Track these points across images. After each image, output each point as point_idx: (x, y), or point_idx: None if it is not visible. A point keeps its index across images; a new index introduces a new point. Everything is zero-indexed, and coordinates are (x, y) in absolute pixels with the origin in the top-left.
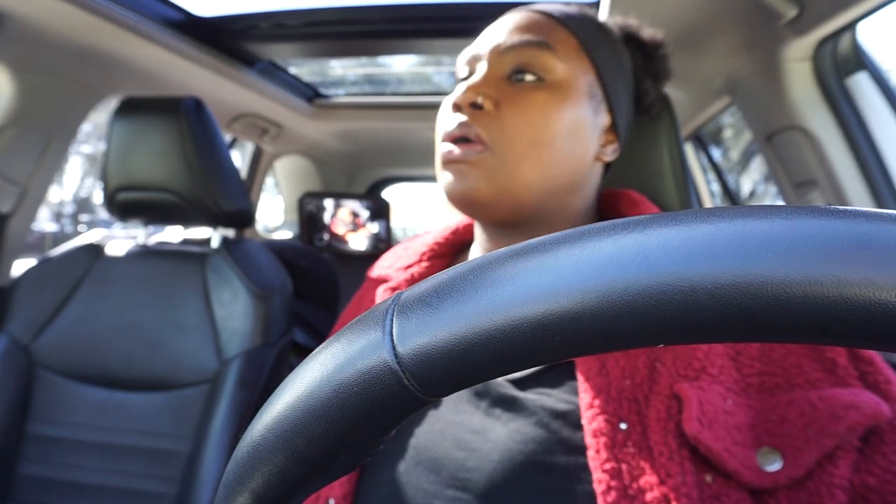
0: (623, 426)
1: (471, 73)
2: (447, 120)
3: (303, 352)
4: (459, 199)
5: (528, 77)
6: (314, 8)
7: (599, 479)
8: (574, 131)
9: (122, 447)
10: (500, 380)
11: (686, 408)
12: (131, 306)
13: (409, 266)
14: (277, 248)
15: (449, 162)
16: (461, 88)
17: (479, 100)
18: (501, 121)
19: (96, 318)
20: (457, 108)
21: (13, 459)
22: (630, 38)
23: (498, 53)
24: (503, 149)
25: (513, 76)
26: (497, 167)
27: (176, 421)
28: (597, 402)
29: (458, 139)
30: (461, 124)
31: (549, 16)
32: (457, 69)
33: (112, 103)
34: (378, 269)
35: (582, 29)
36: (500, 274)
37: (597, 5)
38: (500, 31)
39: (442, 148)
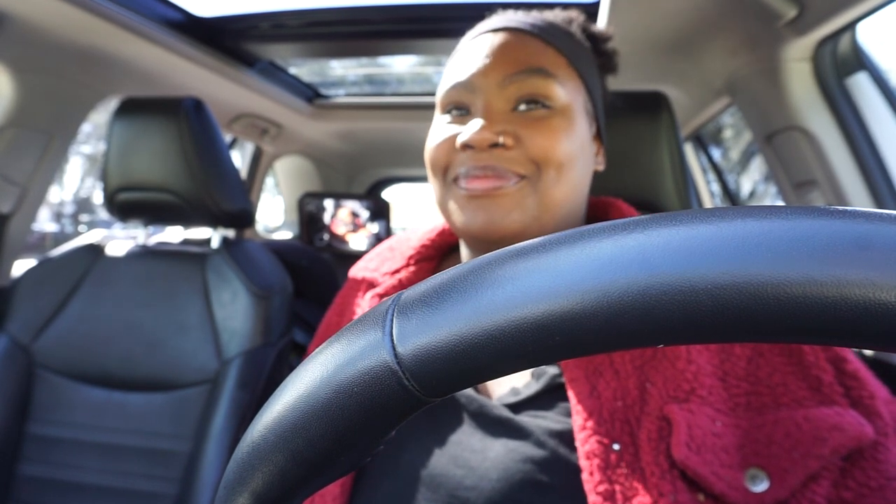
0: (616, 447)
1: (461, 106)
2: (461, 158)
3: (303, 352)
4: (491, 233)
5: (535, 106)
6: (314, 8)
7: (594, 501)
8: (582, 149)
9: (122, 447)
10: (495, 403)
11: (675, 432)
12: (131, 306)
13: (397, 271)
14: (277, 248)
15: (478, 196)
16: (474, 126)
17: (501, 140)
18: (526, 151)
19: (96, 318)
20: (467, 146)
21: (13, 459)
22: (583, 31)
23: (498, 84)
24: (537, 177)
25: (517, 106)
26: (530, 195)
27: (176, 421)
28: (589, 423)
29: (485, 176)
30: (486, 165)
31: (537, 36)
32: (441, 101)
33: (112, 103)
34: (362, 271)
35: (564, 43)
36: (500, 274)
37: (597, 6)
38: (493, 60)
39: (466, 184)
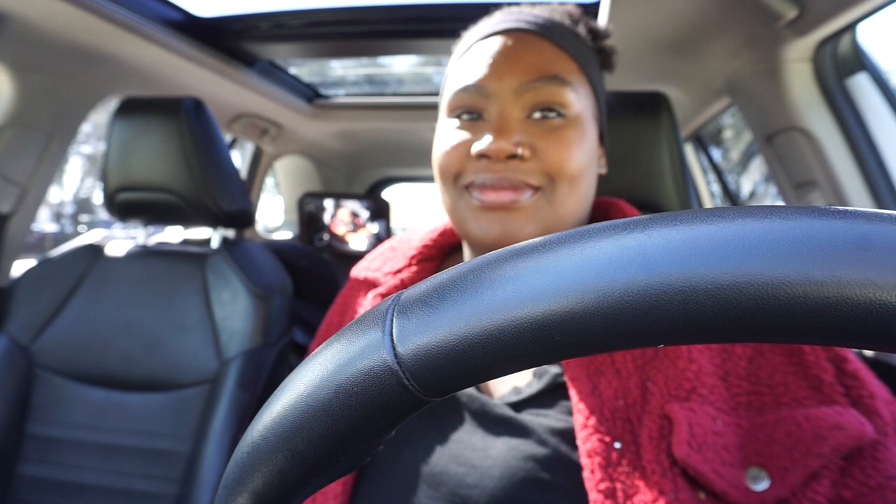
0: (617, 445)
1: (472, 110)
2: (474, 166)
3: (303, 352)
4: (505, 244)
5: (550, 114)
6: (314, 8)
7: (595, 499)
8: (592, 158)
9: (122, 447)
10: (496, 401)
11: (676, 431)
12: (131, 307)
13: (399, 271)
14: (277, 248)
15: (493, 208)
16: (487, 141)
17: (519, 151)
18: (541, 164)
19: (96, 318)
20: (483, 156)
21: (13, 459)
22: (588, 29)
23: (514, 91)
24: (551, 189)
25: (532, 114)
26: (544, 207)
27: (176, 421)
28: (590, 421)
29: (501, 187)
30: (502, 177)
31: (549, 40)
32: (449, 104)
33: (112, 103)
34: (364, 271)
35: (574, 47)
36: (500, 274)
37: (597, 6)
38: (508, 65)
39: (481, 195)
